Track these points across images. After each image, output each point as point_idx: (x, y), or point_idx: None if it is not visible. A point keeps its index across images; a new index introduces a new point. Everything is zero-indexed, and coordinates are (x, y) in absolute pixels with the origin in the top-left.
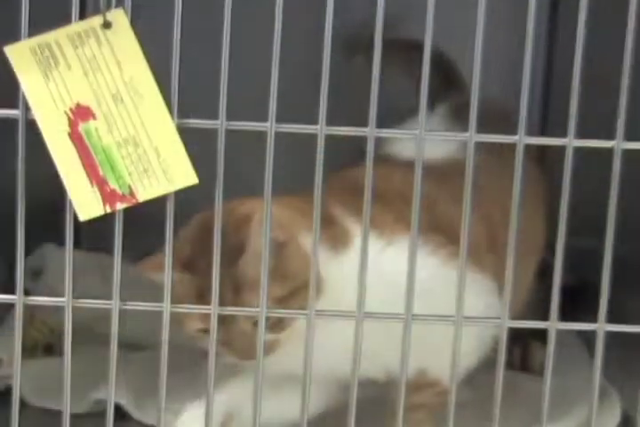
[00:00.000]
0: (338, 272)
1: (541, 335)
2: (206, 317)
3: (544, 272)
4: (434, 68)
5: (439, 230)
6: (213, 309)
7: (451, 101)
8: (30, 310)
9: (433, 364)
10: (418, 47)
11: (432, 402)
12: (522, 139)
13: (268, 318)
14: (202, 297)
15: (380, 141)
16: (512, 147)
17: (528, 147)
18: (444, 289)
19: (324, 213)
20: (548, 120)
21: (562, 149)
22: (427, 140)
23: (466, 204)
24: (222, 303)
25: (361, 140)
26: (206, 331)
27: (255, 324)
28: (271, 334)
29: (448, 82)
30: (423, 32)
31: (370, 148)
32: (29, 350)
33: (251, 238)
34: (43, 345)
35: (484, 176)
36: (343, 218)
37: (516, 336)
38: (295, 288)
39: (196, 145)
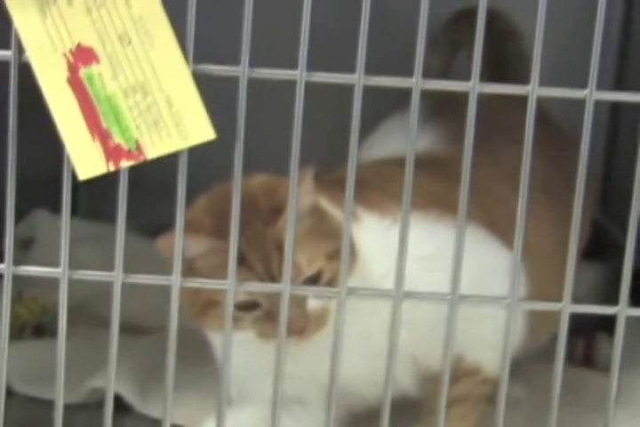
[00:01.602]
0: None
1: (608, 325)
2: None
3: (613, 253)
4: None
5: (435, 205)
6: (230, 283)
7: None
8: (18, 286)
9: (471, 348)
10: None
11: (474, 393)
12: (592, 93)
13: (319, 276)
14: (242, 260)
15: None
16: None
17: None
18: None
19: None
20: (624, 79)
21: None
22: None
23: (525, 166)
24: (268, 264)
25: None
26: (252, 307)
27: (309, 282)
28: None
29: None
30: None
31: (415, 101)
32: (17, 332)
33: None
34: (32, 326)
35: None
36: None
37: (579, 326)
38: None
39: (215, 96)
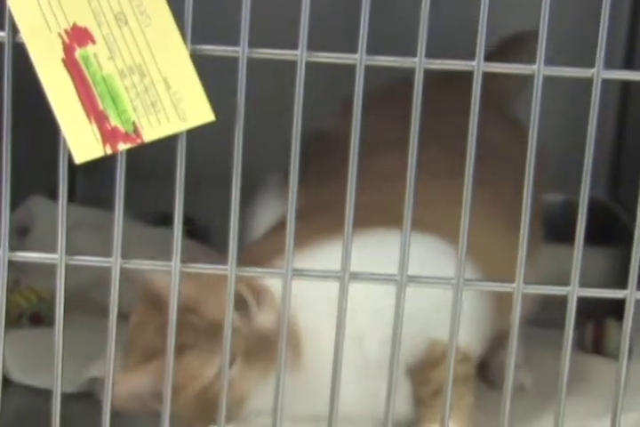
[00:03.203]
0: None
1: (619, 311)
2: None
3: (622, 237)
4: None
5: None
6: (230, 269)
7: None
8: (15, 274)
9: (443, 330)
10: None
11: (458, 373)
12: (599, 72)
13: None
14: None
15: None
16: None
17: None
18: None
19: None
20: (635, 60)
21: None
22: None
23: (530, 151)
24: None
25: None
26: None
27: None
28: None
29: None
30: None
31: (418, 80)
32: (14, 320)
33: None
34: (29, 314)
35: None
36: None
37: (590, 312)
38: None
39: (214, 77)
